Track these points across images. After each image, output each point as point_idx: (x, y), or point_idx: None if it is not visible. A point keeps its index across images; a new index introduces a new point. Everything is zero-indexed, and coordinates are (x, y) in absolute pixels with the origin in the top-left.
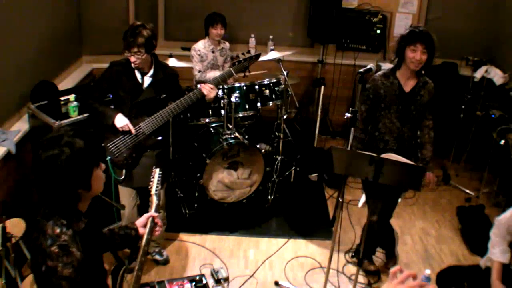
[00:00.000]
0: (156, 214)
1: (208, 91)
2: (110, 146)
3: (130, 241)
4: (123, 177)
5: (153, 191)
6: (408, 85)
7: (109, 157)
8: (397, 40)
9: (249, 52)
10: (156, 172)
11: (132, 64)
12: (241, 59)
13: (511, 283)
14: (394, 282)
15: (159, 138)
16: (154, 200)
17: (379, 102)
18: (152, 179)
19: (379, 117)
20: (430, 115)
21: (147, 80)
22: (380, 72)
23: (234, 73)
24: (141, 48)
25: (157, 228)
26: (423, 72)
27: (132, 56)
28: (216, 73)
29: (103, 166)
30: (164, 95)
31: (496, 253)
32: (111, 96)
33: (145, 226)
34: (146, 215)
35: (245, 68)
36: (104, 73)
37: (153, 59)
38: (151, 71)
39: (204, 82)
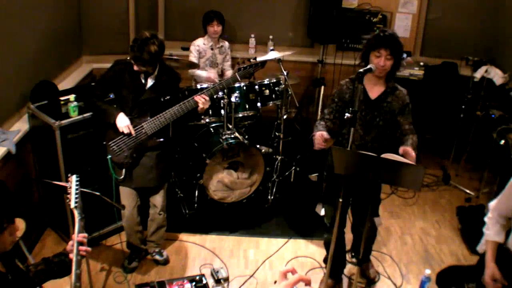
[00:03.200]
0: (81, 236)
1: (203, 103)
2: (112, 145)
3: (66, 267)
4: (122, 176)
5: (72, 204)
6: (375, 92)
7: (109, 156)
8: (363, 44)
9: (255, 59)
10: (73, 179)
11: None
12: (246, 65)
13: (506, 263)
14: (282, 284)
15: (161, 139)
16: (76, 215)
17: (344, 107)
18: (69, 189)
19: (344, 123)
20: (407, 120)
21: (150, 81)
22: (348, 78)
23: (239, 79)
24: (146, 64)
25: (83, 248)
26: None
27: (135, 65)
28: (210, 71)
29: (17, 227)
30: (168, 97)
31: (490, 234)
32: (111, 96)
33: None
34: (70, 242)
35: (250, 75)
36: (108, 70)
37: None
38: (155, 73)
39: (196, 78)
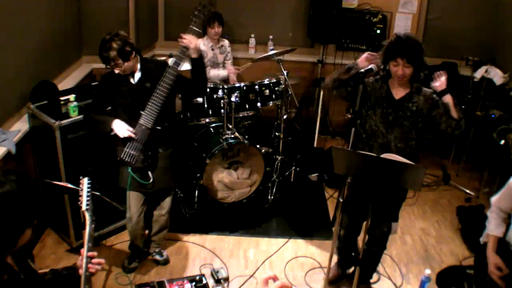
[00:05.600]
0: (90, 253)
1: (188, 41)
2: (124, 157)
3: (74, 281)
4: (151, 179)
5: (83, 206)
6: (399, 92)
7: (129, 169)
8: (382, 49)
9: (200, 4)
10: (85, 182)
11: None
12: (197, 13)
13: (505, 256)
14: None
15: (165, 125)
16: (87, 217)
17: (365, 99)
18: (81, 192)
19: (365, 117)
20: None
21: (137, 76)
22: (374, 77)
23: (196, 29)
24: (117, 60)
25: (92, 265)
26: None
27: (114, 68)
28: (218, 72)
29: (29, 233)
30: (148, 84)
31: (491, 228)
32: (110, 107)
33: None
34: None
35: (203, 21)
36: (98, 85)
37: (138, 57)
38: (138, 67)
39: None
